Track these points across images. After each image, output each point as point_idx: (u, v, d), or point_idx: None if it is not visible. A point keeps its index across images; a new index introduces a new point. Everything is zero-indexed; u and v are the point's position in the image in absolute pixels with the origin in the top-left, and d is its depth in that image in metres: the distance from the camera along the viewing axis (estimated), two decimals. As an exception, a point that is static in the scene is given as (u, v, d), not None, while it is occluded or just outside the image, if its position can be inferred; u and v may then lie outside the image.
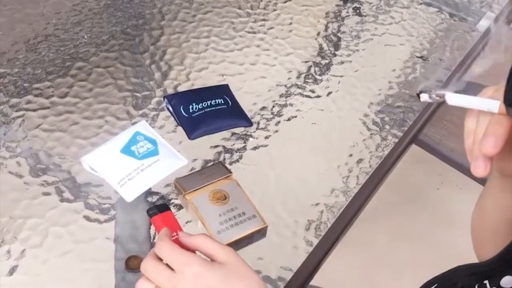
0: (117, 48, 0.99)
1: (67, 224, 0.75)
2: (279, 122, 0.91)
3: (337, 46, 1.06)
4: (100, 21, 1.03)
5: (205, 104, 0.88)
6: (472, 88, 0.51)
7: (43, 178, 0.79)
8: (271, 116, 0.92)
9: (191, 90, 0.92)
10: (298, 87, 0.97)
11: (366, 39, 1.08)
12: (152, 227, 0.76)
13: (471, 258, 0.69)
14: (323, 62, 1.03)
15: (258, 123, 0.91)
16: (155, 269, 0.56)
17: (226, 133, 0.88)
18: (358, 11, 1.14)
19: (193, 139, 0.85)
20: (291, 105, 0.95)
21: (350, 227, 0.82)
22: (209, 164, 0.83)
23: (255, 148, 0.87)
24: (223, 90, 0.92)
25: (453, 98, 0.49)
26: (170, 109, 0.88)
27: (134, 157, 0.79)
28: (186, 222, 0.76)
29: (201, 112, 0.87)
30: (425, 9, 1.17)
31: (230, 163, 0.84)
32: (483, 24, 1.15)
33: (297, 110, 0.94)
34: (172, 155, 0.82)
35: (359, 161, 0.88)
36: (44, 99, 0.89)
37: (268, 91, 0.96)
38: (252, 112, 0.92)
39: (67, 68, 0.94)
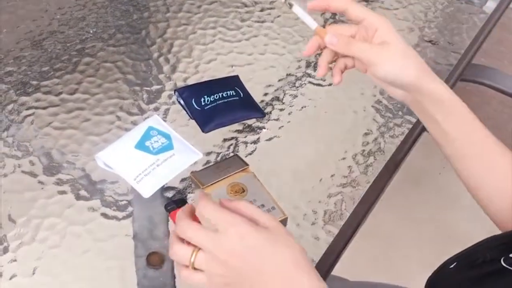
0: (124, 42, 0.97)
1: (85, 222, 0.74)
2: (291, 112, 0.91)
3: (345, 33, 1.05)
4: (105, 15, 1.01)
5: (216, 96, 0.87)
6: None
7: (57, 177, 0.78)
8: (283, 106, 0.91)
9: (201, 82, 0.91)
10: (309, 75, 0.96)
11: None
12: (170, 223, 0.75)
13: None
14: (332, 49, 1.01)
15: (270, 114, 0.90)
16: (193, 229, 0.53)
17: (238, 125, 0.87)
18: (364, -4, 1.13)
19: (207, 132, 0.84)
20: (303, 94, 0.94)
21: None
22: (225, 157, 0.82)
23: (269, 139, 0.86)
24: (234, 82, 0.91)
25: (297, 10, 0.69)
26: (182, 102, 0.87)
27: (149, 152, 0.78)
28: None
29: (213, 104, 0.86)
30: (431, -7, 1.16)
31: (245, 156, 0.83)
32: (490, 5, 1.15)
33: (309, 99, 0.93)
34: (187, 149, 0.81)
35: (374, 148, 0.87)
36: (53, 97, 0.88)
37: (279, 80, 0.95)
38: (263, 102, 0.91)
39: (75, 64, 0.93)
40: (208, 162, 0.82)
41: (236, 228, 0.51)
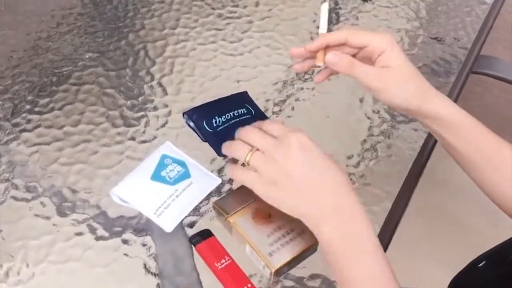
0: (124, 65, 0.93)
1: (107, 264, 0.70)
2: (300, 122, 0.88)
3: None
4: (99, 39, 0.97)
5: (228, 116, 0.83)
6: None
7: (72, 217, 0.74)
8: (294, 118, 0.88)
9: (210, 102, 0.87)
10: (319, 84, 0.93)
11: (378, 25, 1.04)
12: (196, 256, 0.72)
13: None
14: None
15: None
16: (256, 132, 0.61)
17: (252, 143, 0.84)
18: (362, -4, 1.10)
19: (224, 157, 0.81)
20: (313, 104, 0.91)
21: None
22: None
23: (286, 156, 0.83)
24: (243, 98, 0.88)
25: (325, 8, 0.71)
26: (192, 125, 0.84)
27: (166, 183, 0.75)
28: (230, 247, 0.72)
29: (225, 125, 0.82)
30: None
31: (264, 176, 0.80)
32: (489, -5, 1.13)
33: (321, 108, 0.90)
34: (204, 175, 0.77)
35: (391, 154, 0.85)
36: (56, 130, 0.84)
37: (287, 93, 0.92)
38: (275, 114, 0.88)
39: (74, 93, 0.89)
40: (224, 186, 0.79)
41: (298, 134, 0.59)
